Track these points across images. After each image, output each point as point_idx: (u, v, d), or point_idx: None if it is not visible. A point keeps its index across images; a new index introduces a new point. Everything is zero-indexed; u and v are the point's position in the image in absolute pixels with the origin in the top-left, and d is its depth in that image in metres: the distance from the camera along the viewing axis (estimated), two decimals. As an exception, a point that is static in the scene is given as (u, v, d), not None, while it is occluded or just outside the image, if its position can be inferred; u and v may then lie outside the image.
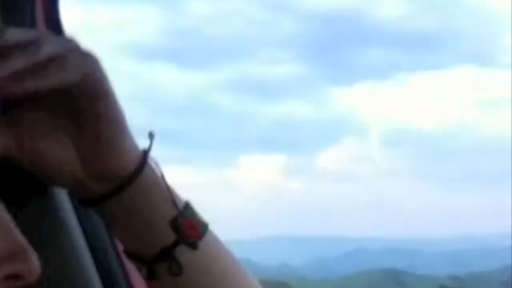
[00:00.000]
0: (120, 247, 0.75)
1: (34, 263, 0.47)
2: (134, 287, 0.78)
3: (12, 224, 0.48)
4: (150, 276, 0.59)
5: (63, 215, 0.73)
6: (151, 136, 0.60)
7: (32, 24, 0.75)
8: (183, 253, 0.59)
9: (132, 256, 0.60)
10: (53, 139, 0.56)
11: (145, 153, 0.59)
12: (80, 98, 0.55)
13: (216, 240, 0.61)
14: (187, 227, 0.59)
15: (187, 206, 0.60)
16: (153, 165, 0.59)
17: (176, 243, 0.59)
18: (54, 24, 0.78)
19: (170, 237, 0.58)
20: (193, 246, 0.59)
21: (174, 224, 0.58)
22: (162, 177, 0.59)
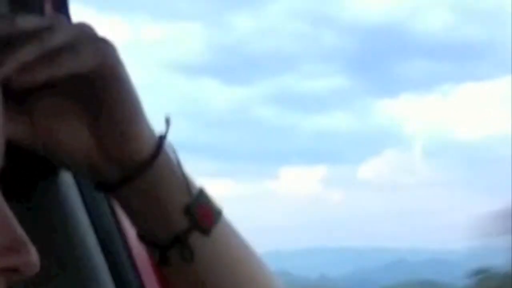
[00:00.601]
0: (130, 236, 0.76)
1: (32, 257, 0.46)
2: (143, 279, 0.78)
3: (11, 216, 0.47)
4: (162, 261, 0.60)
5: (70, 203, 0.73)
6: (167, 121, 0.60)
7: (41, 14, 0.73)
8: (195, 240, 0.59)
9: (145, 240, 0.61)
10: (67, 123, 0.56)
11: (161, 138, 0.59)
12: (94, 84, 0.55)
13: (229, 228, 0.62)
14: (200, 213, 0.59)
15: (201, 192, 0.60)
16: (170, 151, 0.59)
17: (189, 230, 0.59)
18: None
19: (183, 223, 0.59)
20: (206, 232, 0.59)
21: (188, 210, 0.59)
22: (178, 163, 0.59)
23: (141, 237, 0.61)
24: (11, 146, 0.52)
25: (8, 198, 0.50)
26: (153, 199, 0.58)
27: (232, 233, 0.62)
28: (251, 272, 0.62)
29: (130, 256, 0.78)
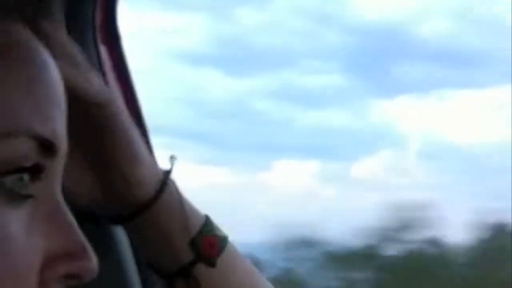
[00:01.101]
0: None
1: (93, 262, 0.45)
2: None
3: (72, 220, 0.45)
4: None
5: (119, 246, 0.73)
6: (172, 159, 0.62)
7: (93, 30, 0.77)
8: (201, 270, 0.60)
9: (152, 268, 0.62)
10: (71, 168, 0.55)
11: (166, 175, 0.60)
12: (96, 128, 0.56)
13: (234, 253, 0.62)
14: (205, 246, 0.60)
15: (206, 223, 0.61)
16: (173, 186, 0.60)
17: (194, 262, 0.60)
18: (112, 30, 0.80)
19: (189, 255, 0.60)
20: (211, 263, 0.60)
21: (193, 243, 0.60)
22: (182, 196, 0.61)
23: (149, 264, 0.62)
24: None
25: None
26: (158, 232, 0.60)
27: (238, 261, 0.63)
28: None
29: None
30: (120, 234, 0.71)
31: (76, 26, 0.74)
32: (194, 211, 0.61)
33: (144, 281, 0.74)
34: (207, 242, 0.60)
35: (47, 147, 0.43)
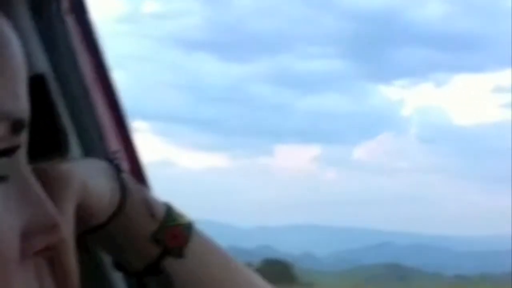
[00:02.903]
0: None
1: (65, 234, 0.46)
2: None
3: (44, 196, 0.46)
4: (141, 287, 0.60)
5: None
6: (116, 154, 0.62)
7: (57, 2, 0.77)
8: (171, 264, 0.59)
9: (121, 268, 0.61)
10: None
11: (123, 192, 0.59)
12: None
13: (203, 241, 0.61)
14: (169, 237, 0.59)
15: (168, 214, 0.60)
16: (131, 182, 0.60)
17: (161, 256, 0.59)
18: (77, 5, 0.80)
19: (154, 250, 0.59)
20: (179, 254, 0.59)
21: (156, 238, 0.59)
22: (140, 190, 0.60)
23: (117, 264, 0.61)
24: None
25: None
26: (123, 234, 0.59)
27: (208, 249, 0.61)
28: (232, 280, 0.61)
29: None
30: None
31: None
32: (155, 205, 0.60)
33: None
34: (170, 234, 0.59)
35: (18, 125, 0.43)
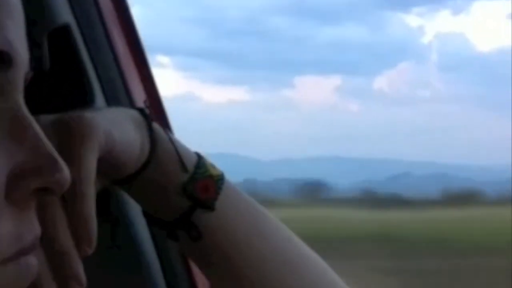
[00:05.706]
0: (199, 281, 0.80)
1: (65, 174, 0.43)
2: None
3: (41, 133, 0.43)
4: (172, 239, 0.60)
5: (142, 245, 0.77)
6: (145, 103, 0.61)
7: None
8: (201, 217, 0.58)
9: (152, 220, 0.60)
10: None
11: (154, 141, 0.58)
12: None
13: (234, 193, 0.60)
14: (199, 190, 0.58)
15: (198, 164, 0.59)
16: (161, 131, 0.58)
17: (192, 209, 0.58)
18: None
19: (185, 203, 0.58)
20: (210, 208, 0.58)
21: (186, 190, 0.58)
22: (171, 140, 0.58)
23: (147, 215, 0.60)
24: None
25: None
26: (156, 188, 0.58)
27: (239, 201, 0.60)
28: (264, 235, 0.60)
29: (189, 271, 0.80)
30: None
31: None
32: (186, 154, 0.59)
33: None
34: (201, 186, 0.58)
35: (1, 58, 0.41)
